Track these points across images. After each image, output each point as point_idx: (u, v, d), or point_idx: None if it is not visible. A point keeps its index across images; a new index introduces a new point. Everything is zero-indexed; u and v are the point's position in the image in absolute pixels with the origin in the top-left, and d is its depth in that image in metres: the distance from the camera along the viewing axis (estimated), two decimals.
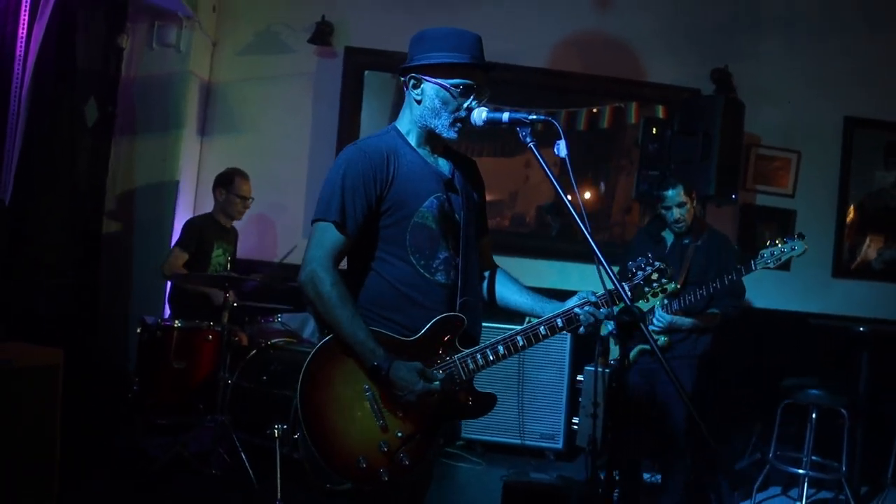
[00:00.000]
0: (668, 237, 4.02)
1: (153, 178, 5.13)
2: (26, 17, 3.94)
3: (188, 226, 4.72)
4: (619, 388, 1.80)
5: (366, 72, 5.45)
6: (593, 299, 2.18)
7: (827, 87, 5.64)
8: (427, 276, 2.23)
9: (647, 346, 3.84)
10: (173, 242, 4.92)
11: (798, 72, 5.63)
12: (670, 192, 3.88)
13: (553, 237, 5.61)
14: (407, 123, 2.32)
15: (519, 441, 4.84)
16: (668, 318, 3.72)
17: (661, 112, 5.64)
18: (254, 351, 4.28)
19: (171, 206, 5.12)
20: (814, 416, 4.39)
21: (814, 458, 4.46)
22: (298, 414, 2.13)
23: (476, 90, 2.24)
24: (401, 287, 2.22)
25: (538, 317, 2.28)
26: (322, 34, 5.37)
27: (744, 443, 4.86)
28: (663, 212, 3.94)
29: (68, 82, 4.24)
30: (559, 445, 4.87)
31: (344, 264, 2.26)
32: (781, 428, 4.64)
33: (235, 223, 4.94)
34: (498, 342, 2.22)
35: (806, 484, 4.38)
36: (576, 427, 4.82)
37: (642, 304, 3.87)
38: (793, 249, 3.58)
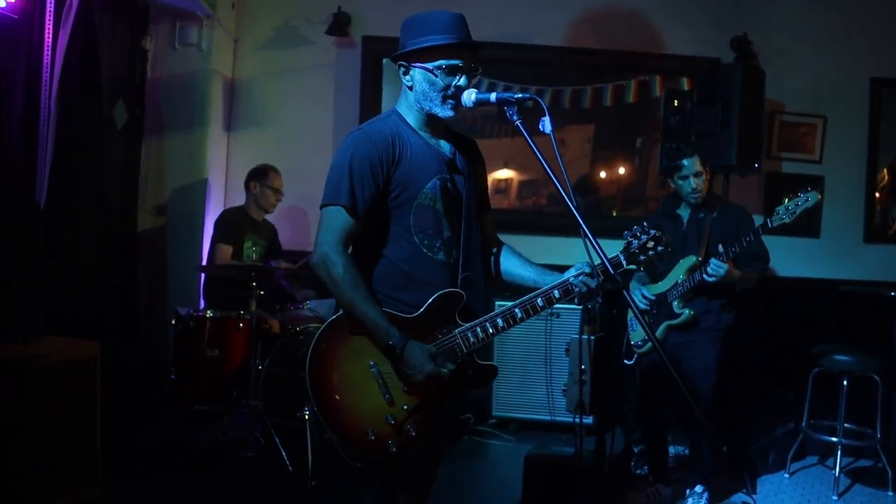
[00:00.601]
0: (684, 213, 4.00)
1: (183, 175, 5.29)
2: (51, 26, 4.10)
3: (223, 219, 4.88)
4: (604, 359, 1.84)
5: (384, 59, 5.51)
6: (588, 270, 2.23)
7: (851, 49, 5.52)
8: (430, 255, 2.32)
9: (673, 322, 3.88)
10: (206, 236, 5.08)
11: (821, 34, 5.53)
12: (687, 161, 3.86)
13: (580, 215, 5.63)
14: (405, 108, 2.39)
15: (549, 417, 4.90)
16: (726, 267, 3.64)
17: (685, 84, 5.59)
18: (283, 337, 4.42)
19: (201, 201, 5.28)
20: (845, 383, 4.36)
21: (848, 425, 4.44)
22: (308, 390, 2.23)
23: (462, 68, 2.29)
24: (405, 266, 2.30)
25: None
26: (339, 25, 5.45)
27: (776, 413, 4.84)
28: (679, 182, 3.91)
29: (95, 87, 4.40)
30: (589, 420, 4.91)
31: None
32: (814, 396, 4.62)
33: (270, 217, 5.08)
34: (497, 315, 2.29)
35: (840, 452, 4.36)
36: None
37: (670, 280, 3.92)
38: (806, 201, 3.53)
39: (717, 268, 3.64)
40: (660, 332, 3.92)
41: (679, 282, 3.85)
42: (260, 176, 4.91)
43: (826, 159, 5.58)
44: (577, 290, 2.25)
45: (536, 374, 5.04)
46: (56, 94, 4.09)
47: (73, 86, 4.15)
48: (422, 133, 2.38)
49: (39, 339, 3.44)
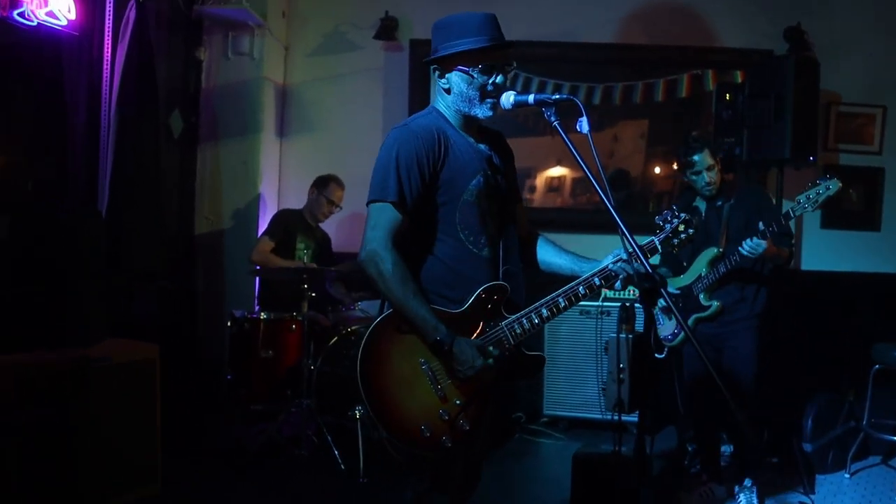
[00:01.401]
0: (702, 205, 4.00)
1: (237, 181, 5.42)
2: (110, 42, 4.27)
3: (276, 216, 5.02)
4: (644, 355, 1.85)
5: None
6: (625, 256, 2.24)
7: None
8: (475, 251, 2.35)
9: (701, 315, 3.86)
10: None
11: (877, 21, 5.35)
12: (697, 157, 3.85)
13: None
14: (443, 107, 2.42)
15: (599, 416, 4.88)
16: (764, 244, 3.57)
17: (739, 77, 5.48)
18: (335, 338, 4.51)
19: (255, 206, 5.41)
20: None
21: None
22: (360, 390, 2.26)
23: (498, 67, 2.32)
24: (452, 263, 2.33)
25: (579, 276, 2.39)
26: (387, 29, 5.52)
27: (836, 410, 4.71)
28: (693, 178, 3.90)
29: (152, 98, 4.55)
30: (634, 418, 4.86)
31: None
32: (875, 395, 4.50)
33: (327, 225, 5.18)
34: (541, 305, 2.32)
35: None
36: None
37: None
38: (827, 189, 3.47)
39: (756, 246, 3.59)
40: (688, 324, 3.91)
41: (703, 274, 3.85)
42: (321, 185, 5.02)
43: (886, 150, 5.40)
44: (619, 272, 2.26)
45: (587, 372, 5.01)
46: (115, 107, 4.25)
47: (131, 98, 4.30)
48: (461, 131, 2.41)
49: (102, 342, 3.60)
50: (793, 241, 3.96)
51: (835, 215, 5.39)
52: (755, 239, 3.60)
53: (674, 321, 3.99)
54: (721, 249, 3.81)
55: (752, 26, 5.45)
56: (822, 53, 5.20)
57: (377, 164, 2.31)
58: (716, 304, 3.84)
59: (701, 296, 3.87)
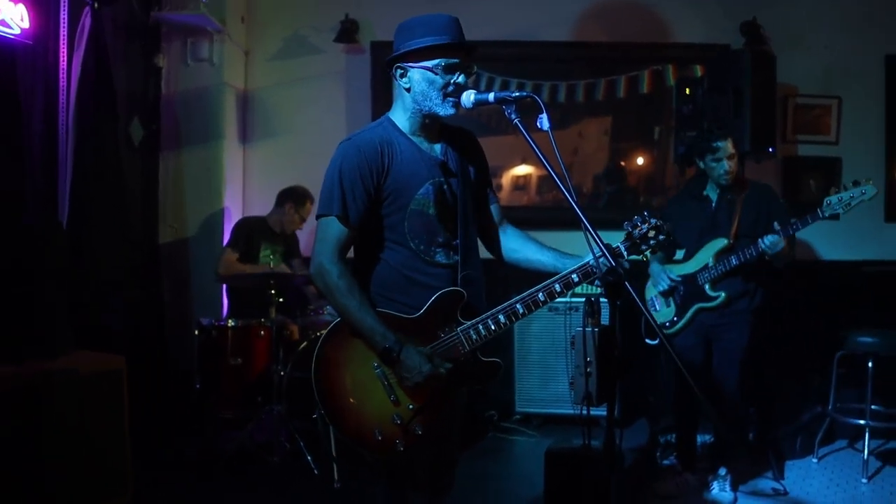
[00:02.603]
0: (713, 194, 3.99)
1: (201, 188, 5.37)
2: (65, 49, 4.20)
3: (237, 227, 4.97)
4: (609, 349, 1.86)
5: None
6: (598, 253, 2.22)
7: (864, 27, 5.45)
8: (426, 259, 2.36)
9: (706, 304, 3.89)
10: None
11: (831, 13, 5.46)
12: (721, 143, 3.85)
13: (602, 207, 5.66)
14: (400, 113, 2.41)
15: (572, 411, 4.91)
16: (783, 243, 3.61)
17: (699, 71, 5.55)
18: (304, 343, 4.48)
19: (219, 213, 5.36)
20: (871, 364, 4.33)
21: (875, 407, 4.40)
22: (315, 394, 2.29)
23: (460, 66, 2.33)
24: (404, 271, 2.35)
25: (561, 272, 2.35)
26: (347, 32, 5.51)
27: (802, 397, 4.81)
28: (713, 164, 3.88)
29: (110, 106, 4.48)
30: (603, 411, 4.90)
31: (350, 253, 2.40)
32: (840, 379, 4.58)
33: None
34: (498, 311, 2.32)
35: (868, 435, 4.33)
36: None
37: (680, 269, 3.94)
38: (863, 194, 3.49)
39: (776, 243, 3.63)
40: (690, 313, 3.95)
41: (710, 265, 3.87)
42: (298, 202, 4.97)
43: (843, 140, 5.51)
44: (597, 272, 2.24)
45: (557, 369, 5.05)
46: (73, 115, 4.18)
47: (89, 106, 4.23)
48: (413, 138, 2.40)
49: (68, 354, 3.54)
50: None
51: (795, 206, 5.47)
52: (775, 236, 3.62)
53: (672, 308, 4.01)
54: (730, 241, 3.83)
55: (708, 21, 5.54)
56: (778, 46, 5.31)
57: (324, 179, 2.34)
58: (723, 294, 3.86)
59: (706, 286, 3.89)
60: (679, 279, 3.96)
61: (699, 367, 3.93)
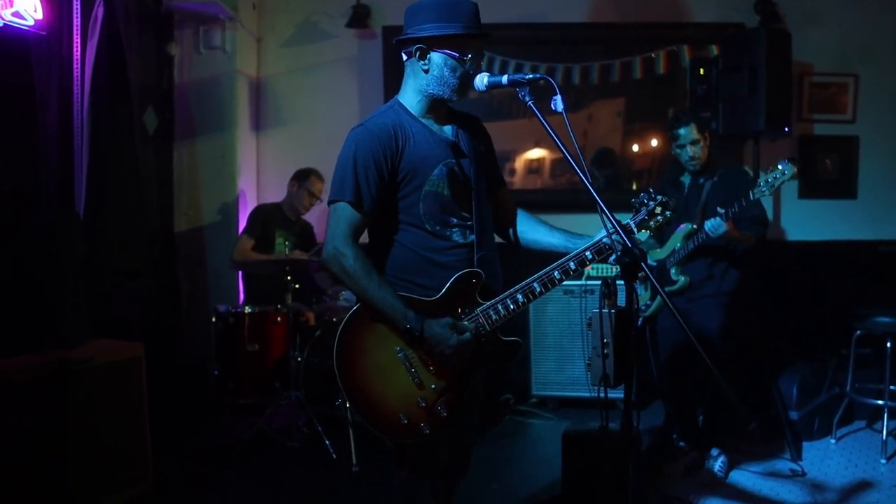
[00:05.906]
0: (686, 180, 4.05)
1: (215, 176, 5.38)
2: (79, 40, 4.21)
3: (253, 213, 5.00)
4: (626, 330, 1.87)
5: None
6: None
7: (881, 2, 5.37)
8: (443, 239, 2.36)
9: (671, 288, 3.92)
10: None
11: None
12: (682, 131, 3.89)
13: (601, 189, 5.63)
14: (411, 95, 2.41)
15: (588, 394, 4.91)
16: (725, 226, 3.65)
17: (714, 51, 5.48)
18: (320, 328, 4.50)
19: (234, 200, 5.38)
20: (889, 344, 4.30)
21: (893, 387, 4.37)
22: (338, 381, 2.30)
23: (480, 56, 2.35)
24: (420, 251, 2.35)
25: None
26: (359, 17, 5.49)
27: (820, 377, 4.78)
28: (677, 151, 3.96)
29: (124, 96, 4.49)
30: (620, 393, 4.89)
31: (365, 238, 2.40)
32: (858, 360, 4.56)
33: (310, 217, 5.17)
34: (516, 290, 2.34)
35: (886, 415, 4.31)
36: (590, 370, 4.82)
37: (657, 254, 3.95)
38: (783, 174, 3.49)
39: (716, 227, 3.65)
40: (658, 299, 4.00)
41: (676, 249, 3.92)
42: (301, 177, 5.01)
43: (859, 118, 5.46)
44: (611, 248, 2.26)
45: (573, 351, 5.05)
46: (87, 106, 4.19)
47: (103, 96, 4.24)
48: (424, 120, 2.40)
49: (86, 343, 3.58)
50: (765, 229, 3.97)
51: (811, 185, 5.46)
52: (716, 219, 3.65)
53: (649, 291, 4.06)
54: (695, 226, 3.85)
55: (722, 0, 5.46)
56: (793, 24, 5.26)
57: (337, 165, 2.34)
58: (683, 279, 3.93)
59: (672, 270, 3.95)
60: (654, 265, 4.00)
61: (684, 348, 3.95)
